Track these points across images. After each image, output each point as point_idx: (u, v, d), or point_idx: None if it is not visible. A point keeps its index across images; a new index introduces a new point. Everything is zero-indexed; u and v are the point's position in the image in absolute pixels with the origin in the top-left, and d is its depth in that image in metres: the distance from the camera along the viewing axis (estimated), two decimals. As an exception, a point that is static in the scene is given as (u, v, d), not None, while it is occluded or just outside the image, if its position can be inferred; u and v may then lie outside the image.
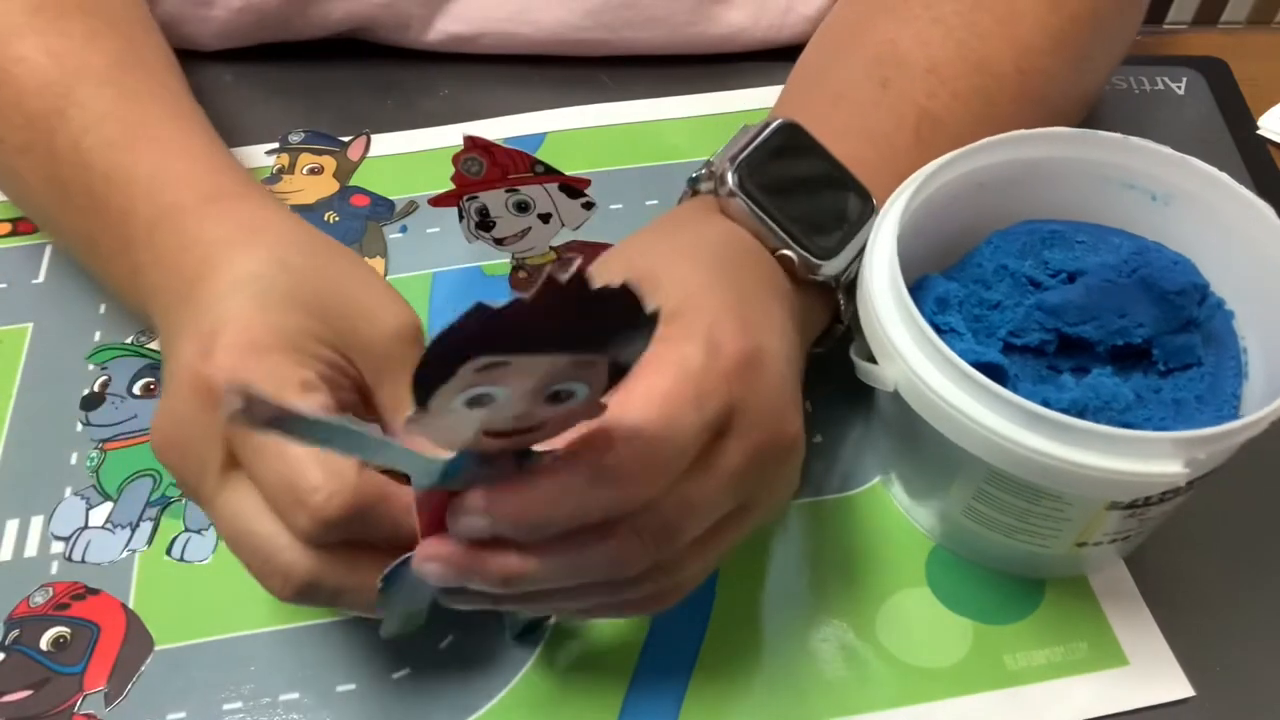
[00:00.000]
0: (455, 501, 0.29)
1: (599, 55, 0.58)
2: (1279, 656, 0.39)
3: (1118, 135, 0.40)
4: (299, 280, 0.34)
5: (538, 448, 0.29)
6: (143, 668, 0.38)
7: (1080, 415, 0.35)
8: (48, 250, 0.51)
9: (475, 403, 0.24)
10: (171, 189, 0.39)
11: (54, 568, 0.41)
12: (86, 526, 0.42)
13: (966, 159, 0.40)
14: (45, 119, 0.41)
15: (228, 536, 0.32)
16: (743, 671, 0.39)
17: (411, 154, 0.55)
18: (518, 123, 0.56)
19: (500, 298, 0.21)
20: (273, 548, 0.31)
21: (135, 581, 0.40)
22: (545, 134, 0.55)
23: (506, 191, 0.48)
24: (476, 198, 0.48)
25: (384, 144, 0.55)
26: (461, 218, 0.48)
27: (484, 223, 0.48)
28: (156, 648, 0.39)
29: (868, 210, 0.40)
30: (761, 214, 0.38)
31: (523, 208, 0.49)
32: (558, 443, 0.29)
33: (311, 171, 0.54)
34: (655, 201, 0.53)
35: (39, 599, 0.40)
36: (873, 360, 0.37)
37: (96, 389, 0.46)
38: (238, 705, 0.38)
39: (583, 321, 0.23)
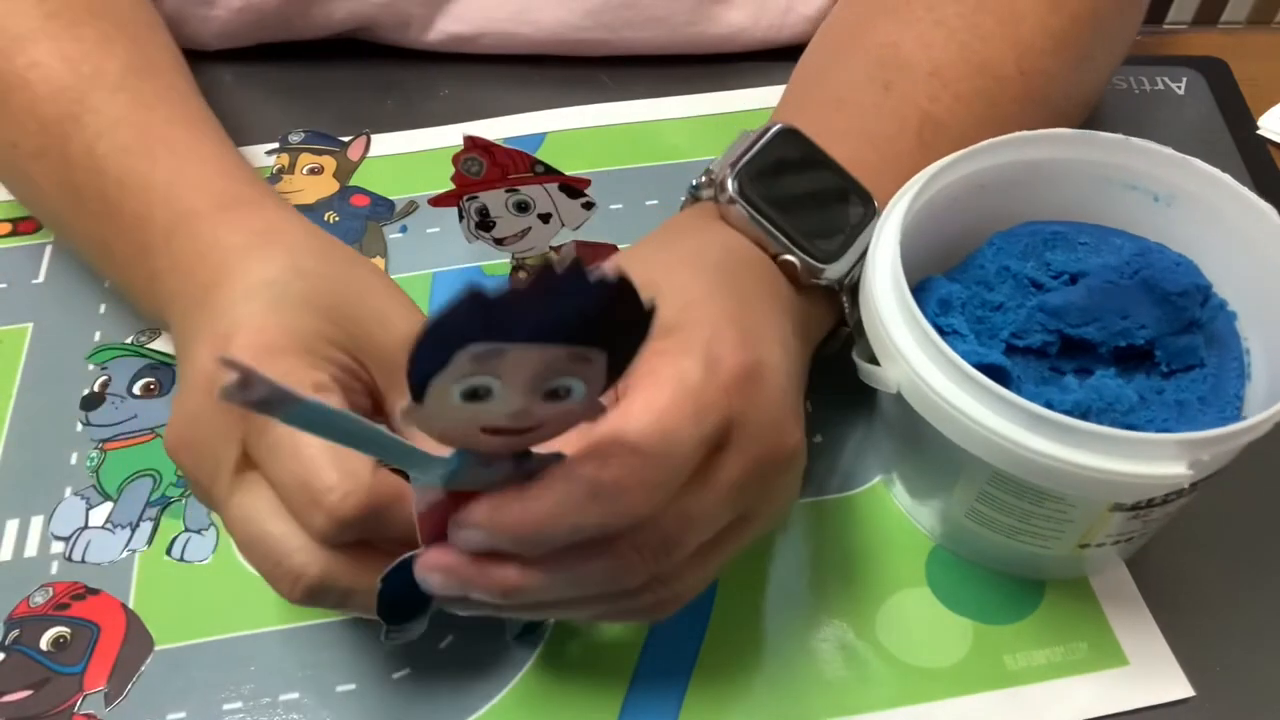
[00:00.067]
0: (455, 515, 0.29)
1: (599, 55, 0.58)
2: (1279, 657, 0.39)
3: (1119, 136, 0.40)
4: (313, 285, 0.35)
5: (537, 449, 0.29)
6: (143, 668, 0.38)
7: (1084, 417, 0.35)
8: (48, 250, 0.51)
9: (471, 396, 0.24)
10: (187, 196, 0.39)
11: (54, 568, 0.41)
12: (86, 526, 0.42)
13: (968, 160, 0.39)
14: (59, 124, 0.42)
15: (239, 538, 0.32)
16: (743, 671, 0.39)
17: (411, 154, 0.55)
18: (518, 123, 0.56)
19: None
20: (284, 549, 0.31)
21: (135, 581, 0.40)
22: (545, 134, 0.55)
23: (506, 191, 0.48)
24: (476, 198, 0.48)
25: (384, 144, 0.55)
26: (461, 218, 0.48)
27: (484, 223, 0.48)
28: (156, 648, 0.39)
29: (869, 213, 0.40)
30: (762, 220, 0.38)
31: (523, 208, 0.49)
32: (557, 444, 0.29)
33: (311, 171, 0.54)
34: (655, 201, 0.53)
35: (39, 599, 0.40)
36: (875, 362, 0.37)
37: (96, 389, 0.46)
38: (238, 705, 0.38)
39: (578, 313, 0.23)
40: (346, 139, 0.55)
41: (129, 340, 0.47)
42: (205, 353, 0.33)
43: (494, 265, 0.50)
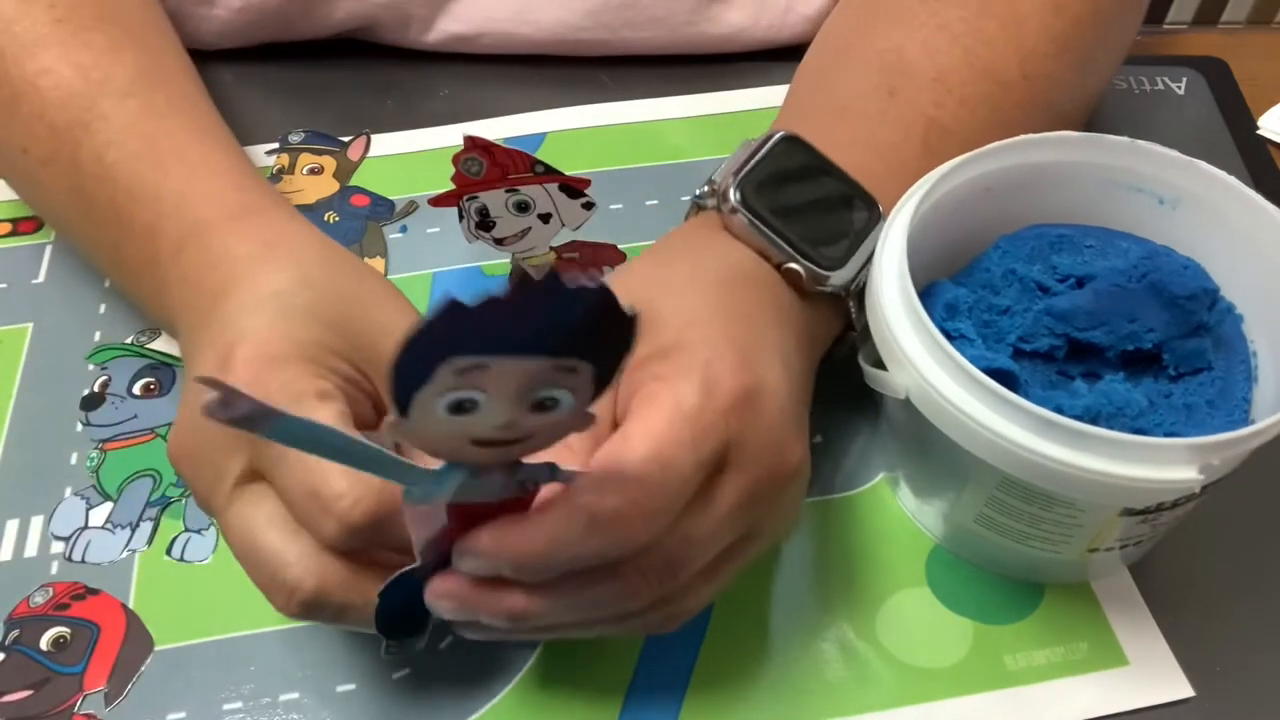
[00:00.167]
0: (459, 543, 0.29)
1: (599, 55, 0.58)
2: (1279, 657, 0.39)
3: (1125, 139, 0.40)
4: (320, 296, 0.35)
5: (529, 459, 0.28)
6: (143, 668, 0.38)
7: (1093, 421, 0.35)
8: (48, 250, 0.50)
9: (457, 409, 0.24)
10: (198, 206, 0.39)
11: (54, 568, 0.41)
12: (86, 526, 0.42)
13: (973, 164, 0.39)
14: (69, 131, 0.42)
15: (236, 549, 0.32)
16: (743, 671, 0.39)
17: (411, 154, 0.55)
18: (518, 123, 0.56)
19: None
20: (280, 562, 0.31)
21: (135, 581, 0.40)
22: (545, 134, 0.55)
23: (506, 191, 0.48)
24: (476, 198, 0.48)
25: (384, 144, 0.55)
26: (461, 218, 0.48)
27: (484, 223, 0.48)
28: (156, 648, 0.39)
29: (874, 218, 0.40)
30: (765, 229, 0.38)
31: (523, 208, 0.49)
32: (549, 454, 0.29)
33: (311, 171, 0.54)
34: (655, 201, 0.53)
35: (39, 599, 0.40)
36: (882, 367, 0.37)
37: (96, 389, 0.45)
38: (238, 705, 0.38)
39: (560, 323, 0.23)
40: (346, 139, 0.55)
41: (129, 340, 0.47)
42: (209, 362, 0.33)
43: (494, 265, 0.50)
